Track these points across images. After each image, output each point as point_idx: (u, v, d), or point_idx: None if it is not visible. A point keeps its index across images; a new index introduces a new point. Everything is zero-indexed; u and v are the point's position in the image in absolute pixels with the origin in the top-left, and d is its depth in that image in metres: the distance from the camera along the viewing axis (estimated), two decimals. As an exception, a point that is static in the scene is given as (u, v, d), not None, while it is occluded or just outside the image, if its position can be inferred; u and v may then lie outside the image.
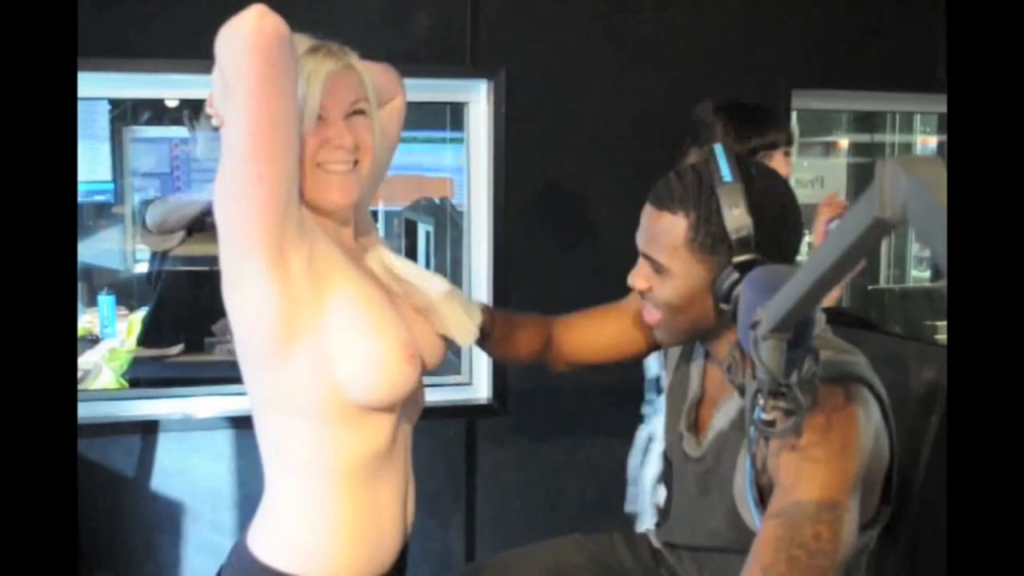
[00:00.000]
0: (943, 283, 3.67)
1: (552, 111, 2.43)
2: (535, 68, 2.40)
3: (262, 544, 1.18)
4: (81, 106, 2.49)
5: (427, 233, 3.26)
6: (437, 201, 3.32)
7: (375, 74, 1.24)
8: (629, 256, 1.31)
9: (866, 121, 4.01)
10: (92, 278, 3.41)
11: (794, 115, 2.71)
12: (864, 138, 4.05)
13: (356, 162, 1.17)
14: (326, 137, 1.13)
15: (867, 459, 1.10)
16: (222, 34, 0.99)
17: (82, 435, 2.23)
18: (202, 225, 3.03)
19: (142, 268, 3.46)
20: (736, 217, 1.17)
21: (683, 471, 1.39)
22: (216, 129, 1.09)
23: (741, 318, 1.00)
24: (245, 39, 0.96)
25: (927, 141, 3.96)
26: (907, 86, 2.67)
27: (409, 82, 1.36)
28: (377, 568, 1.21)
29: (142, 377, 3.04)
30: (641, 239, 1.28)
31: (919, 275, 3.98)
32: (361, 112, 1.17)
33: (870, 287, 3.74)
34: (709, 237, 1.20)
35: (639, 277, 1.29)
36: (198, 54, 1.19)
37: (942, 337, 3.32)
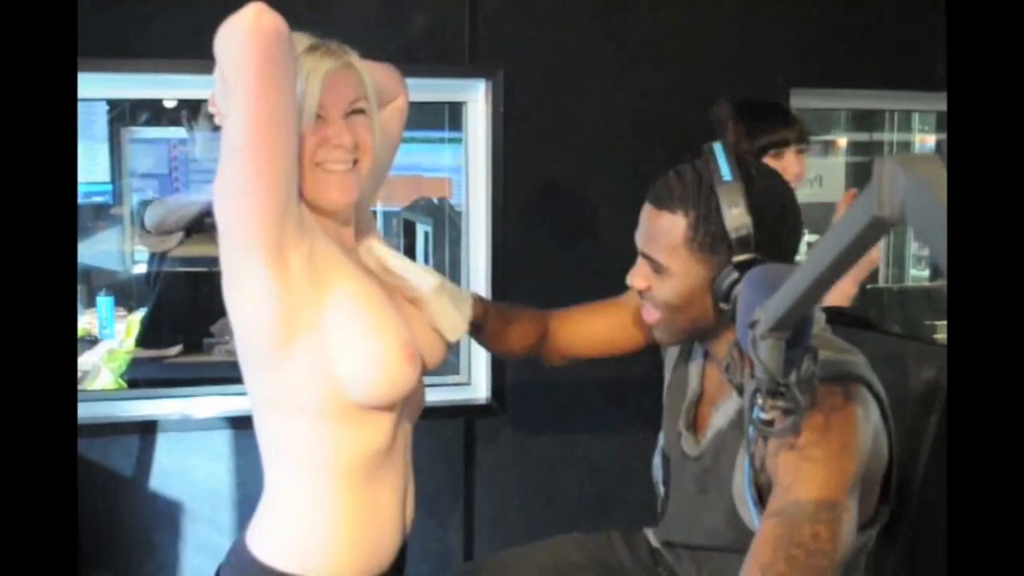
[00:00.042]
0: (942, 282, 3.66)
1: (550, 111, 2.43)
2: (533, 67, 2.40)
3: (261, 543, 1.18)
4: (80, 107, 2.48)
5: (426, 233, 3.25)
6: (436, 201, 3.32)
7: (376, 74, 1.24)
8: (628, 255, 1.31)
9: (864, 120, 4.00)
10: (91, 279, 3.40)
11: (794, 115, 2.70)
12: (863, 137, 4.05)
13: (356, 161, 1.16)
14: (325, 136, 1.13)
15: (866, 459, 1.10)
16: (221, 32, 0.99)
17: (81, 435, 2.22)
18: (201, 226, 3.01)
19: (141, 269, 3.45)
20: (735, 216, 1.17)
21: (682, 470, 1.39)
22: (215, 129, 1.09)
23: (740, 317, 1.00)
24: (243, 36, 0.96)
25: (925, 140, 3.96)
26: (906, 84, 2.67)
27: (407, 82, 1.36)
28: (376, 567, 1.21)
29: (141, 378, 3.03)
30: (640, 238, 1.28)
31: (918, 274, 3.97)
32: (361, 111, 1.17)
33: (869, 286, 3.73)
34: (708, 236, 1.20)
35: (638, 276, 1.29)
36: (197, 54, 1.19)
37: (941, 336, 3.32)
